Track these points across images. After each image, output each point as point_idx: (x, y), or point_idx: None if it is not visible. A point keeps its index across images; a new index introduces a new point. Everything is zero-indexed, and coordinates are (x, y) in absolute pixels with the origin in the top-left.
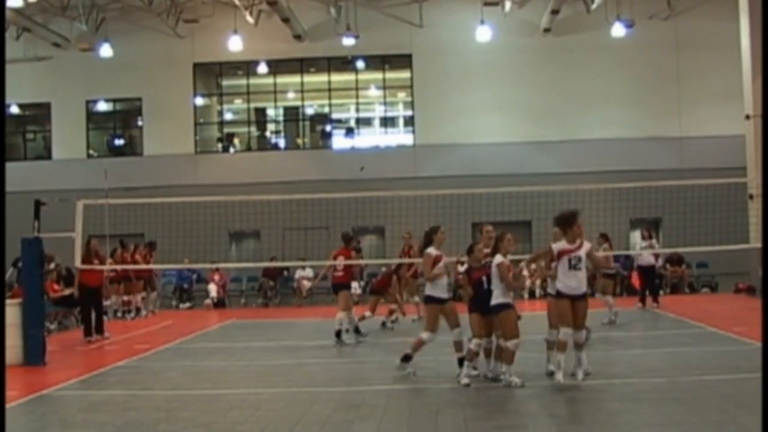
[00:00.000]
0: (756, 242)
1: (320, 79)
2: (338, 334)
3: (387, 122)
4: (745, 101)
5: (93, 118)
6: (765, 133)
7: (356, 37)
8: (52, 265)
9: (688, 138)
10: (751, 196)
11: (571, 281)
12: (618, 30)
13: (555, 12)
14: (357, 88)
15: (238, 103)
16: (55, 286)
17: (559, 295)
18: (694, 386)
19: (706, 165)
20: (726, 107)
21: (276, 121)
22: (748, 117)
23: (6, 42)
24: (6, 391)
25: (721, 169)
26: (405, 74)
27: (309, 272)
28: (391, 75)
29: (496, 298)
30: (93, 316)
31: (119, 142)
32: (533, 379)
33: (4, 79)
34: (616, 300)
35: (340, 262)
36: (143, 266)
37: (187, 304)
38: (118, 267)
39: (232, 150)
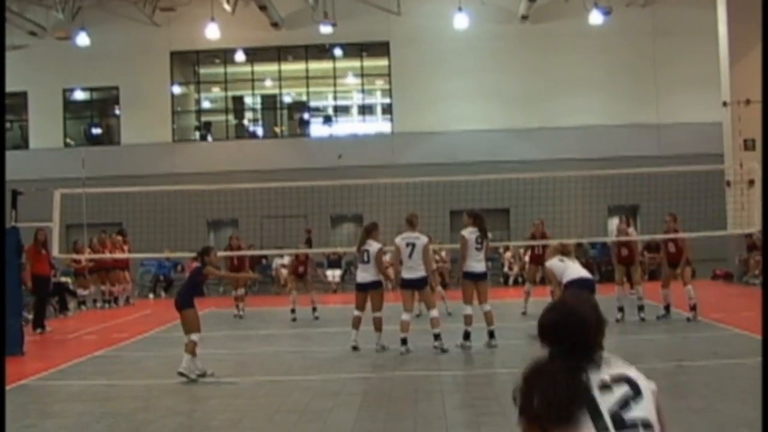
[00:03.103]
0: (733, 229)
1: (298, 67)
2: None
3: (365, 110)
4: (722, 88)
5: (70, 107)
6: (765, 125)
7: (334, 24)
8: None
9: (666, 125)
10: (728, 183)
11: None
12: (595, 17)
13: None
14: (335, 76)
15: (216, 91)
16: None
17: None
18: (673, 372)
19: (683, 152)
20: (703, 94)
21: (254, 110)
22: (725, 104)
23: (5, 39)
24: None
25: (698, 155)
26: (383, 62)
27: (286, 260)
28: (368, 63)
29: (373, 276)
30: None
31: (96, 131)
32: (516, 365)
33: (4, 79)
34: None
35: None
36: (122, 255)
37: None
38: (96, 257)
39: (209, 138)
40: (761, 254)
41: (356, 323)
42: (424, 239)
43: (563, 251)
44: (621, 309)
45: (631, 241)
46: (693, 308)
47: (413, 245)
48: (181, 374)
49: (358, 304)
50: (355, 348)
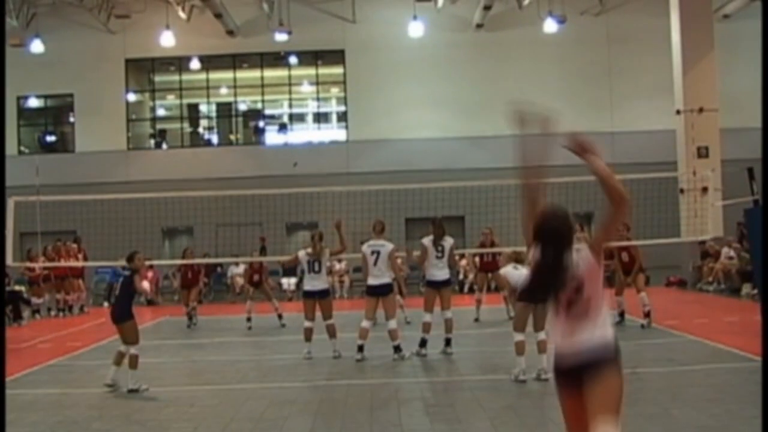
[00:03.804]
0: (686, 236)
1: (253, 74)
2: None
3: (320, 118)
4: (675, 96)
5: (24, 114)
6: (765, 132)
7: (289, 32)
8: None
9: (620, 133)
10: (681, 191)
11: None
12: (550, 26)
13: (487, 8)
14: (290, 84)
15: (171, 99)
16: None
17: (521, 297)
18: (627, 379)
19: (637, 160)
20: (657, 102)
21: (209, 117)
22: (678, 112)
23: (5, 39)
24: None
25: (652, 163)
26: (338, 70)
27: (242, 268)
28: (323, 71)
29: (324, 285)
30: None
31: (51, 138)
32: (470, 373)
33: (4, 80)
34: None
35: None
36: (77, 263)
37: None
38: (50, 265)
39: (164, 146)
40: (761, 267)
41: (308, 335)
42: (389, 246)
43: (517, 259)
44: None
45: None
46: (647, 315)
47: (378, 252)
48: (132, 390)
49: (307, 314)
50: (308, 359)
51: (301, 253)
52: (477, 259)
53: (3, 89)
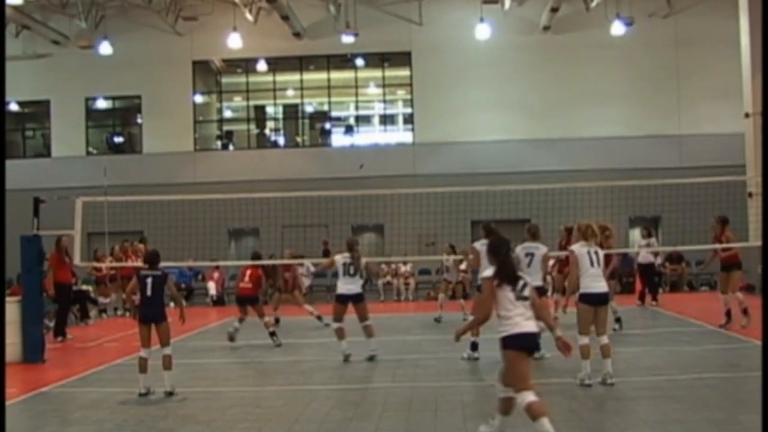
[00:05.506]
0: (755, 240)
1: (319, 76)
2: None
3: (386, 120)
4: (744, 99)
5: (92, 115)
6: (765, 132)
7: (356, 34)
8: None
9: (688, 136)
10: (750, 194)
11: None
12: (617, 28)
13: (554, 10)
14: (356, 86)
15: (238, 100)
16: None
17: (582, 299)
18: (694, 384)
19: (705, 163)
20: (725, 105)
21: (275, 119)
22: (747, 115)
23: (5, 39)
24: (6, 388)
25: (720, 167)
26: (404, 72)
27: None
28: (390, 73)
29: (359, 289)
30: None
31: (119, 139)
32: (536, 376)
33: (3, 78)
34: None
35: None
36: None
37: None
38: (117, 265)
39: (231, 147)
40: (761, 264)
41: (342, 334)
42: (543, 249)
43: (588, 236)
44: (618, 320)
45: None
46: (727, 314)
47: (532, 255)
48: (170, 393)
49: (337, 316)
50: (346, 358)
51: (338, 257)
52: (552, 261)
53: (3, 89)
